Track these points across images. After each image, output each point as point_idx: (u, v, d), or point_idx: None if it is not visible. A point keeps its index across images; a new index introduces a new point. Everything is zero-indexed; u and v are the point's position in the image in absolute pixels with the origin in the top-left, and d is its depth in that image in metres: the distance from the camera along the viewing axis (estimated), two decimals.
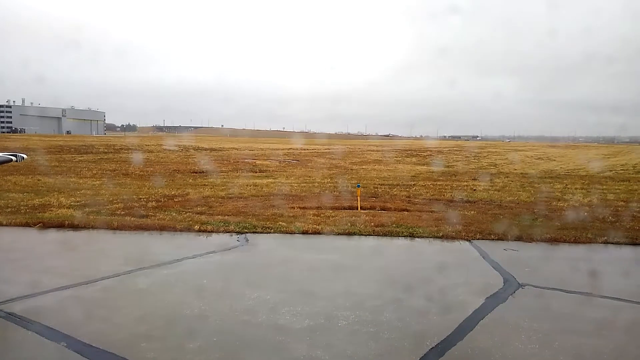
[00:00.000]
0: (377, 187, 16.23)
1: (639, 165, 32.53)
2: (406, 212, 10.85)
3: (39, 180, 16.79)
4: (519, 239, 8.07)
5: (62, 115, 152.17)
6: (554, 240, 8.02)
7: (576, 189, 16.90)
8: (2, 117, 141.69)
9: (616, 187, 17.64)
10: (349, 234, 8.38)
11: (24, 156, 7.07)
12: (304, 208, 11.10)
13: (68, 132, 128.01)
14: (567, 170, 28.93)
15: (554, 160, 41.09)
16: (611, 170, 28.22)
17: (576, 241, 8.02)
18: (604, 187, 17.84)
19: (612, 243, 7.96)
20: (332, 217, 9.86)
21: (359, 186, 12.61)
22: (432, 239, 8.13)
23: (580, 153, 49.87)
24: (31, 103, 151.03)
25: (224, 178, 19.81)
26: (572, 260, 7.26)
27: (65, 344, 4.08)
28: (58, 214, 9.73)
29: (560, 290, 5.66)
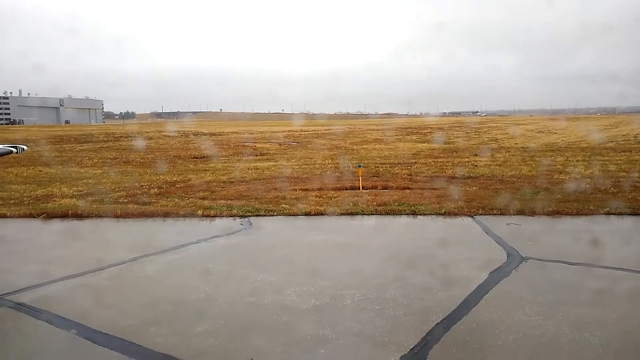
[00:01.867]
0: (378, 166, 16.22)
1: None
2: (408, 190, 10.87)
3: (40, 171, 16.81)
4: (521, 213, 8.09)
5: (60, 105, 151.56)
6: (556, 213, 8.04)
7: (577, 161, 16.88)
8: (0, 108, 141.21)
9: (617, 158, 17.61)
10: (352, 214, 8.40)
11: (24, 147, 7.07)
12: (305, 190, 11.12)
13: (67, 122, 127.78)
14: (568, 142, 28.86)
15: (555, 133, 40.93)
16: (612, 141, 28.13)
17: (578, 213, 8.04)
18: (606, 158, 17.81)
19: (614, 214, 7.99)
20: (334, 197, 9.88)
21: (360, 166, 12.60)
22: (434, 216, 8.15)
23: (581, 125, 49.65)
24: (28, 94, 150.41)
25: (225, 162, 19.81)
26: (574, 232, 7.28)
27: (75, 332, 4.14)
28: (61, 204, 9.76)
29: (564, 262, 5.69)
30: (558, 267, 5.59)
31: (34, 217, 8.67)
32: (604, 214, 7.99)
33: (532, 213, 8.05)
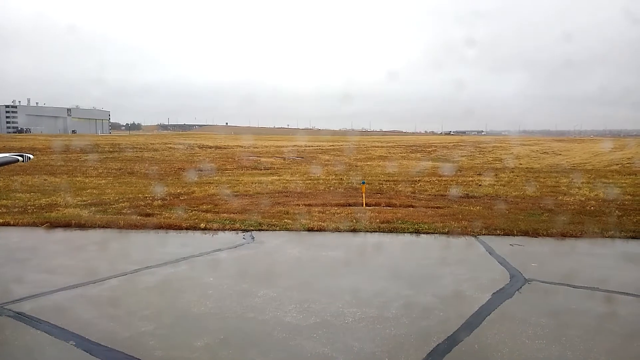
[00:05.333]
0: (382, 184, 16.22)
1: None
2: (411, 208, 10.84)
3: (45, 179, 16.90)
4: (525, 234, 8.04)
5: (68, 115, 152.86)
6: (560, 235, 7.98)
7: (582, 183, 16.82)
8: (8, 117, 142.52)
9: (622, 181, 17.55)
10: (355, 230, 8.38)
11: (31, 156, 7.11)
12: (309, 205, 11.12)
13: (73, 132, 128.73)
14: (573, 164, 28.79)
15: (560, 154, 40.89)
16: (617, 164, 28.05)
17: (582, 236, 7.98)
18: (610, 180, 17.75)
19: (619, 237, 7.92)
20: (337, 214, 9.86)
21: (363, 183, 12.60)
22: (437, 235, 8.12)
23: (586, 147, 49.60)
24: (36, 103, 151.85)
25: (229, 176, 19.86)
26: (578, 255, 7.23)
27: (74, 343, 4.11)
28: (65, 213, 9.78)
29: (567, 285, 5.64)
30: (561, 289, 5.53)
31: (37, 226, 8.69)
32: (608, 236, 7.93)
33: (536, 234, 8.00)
